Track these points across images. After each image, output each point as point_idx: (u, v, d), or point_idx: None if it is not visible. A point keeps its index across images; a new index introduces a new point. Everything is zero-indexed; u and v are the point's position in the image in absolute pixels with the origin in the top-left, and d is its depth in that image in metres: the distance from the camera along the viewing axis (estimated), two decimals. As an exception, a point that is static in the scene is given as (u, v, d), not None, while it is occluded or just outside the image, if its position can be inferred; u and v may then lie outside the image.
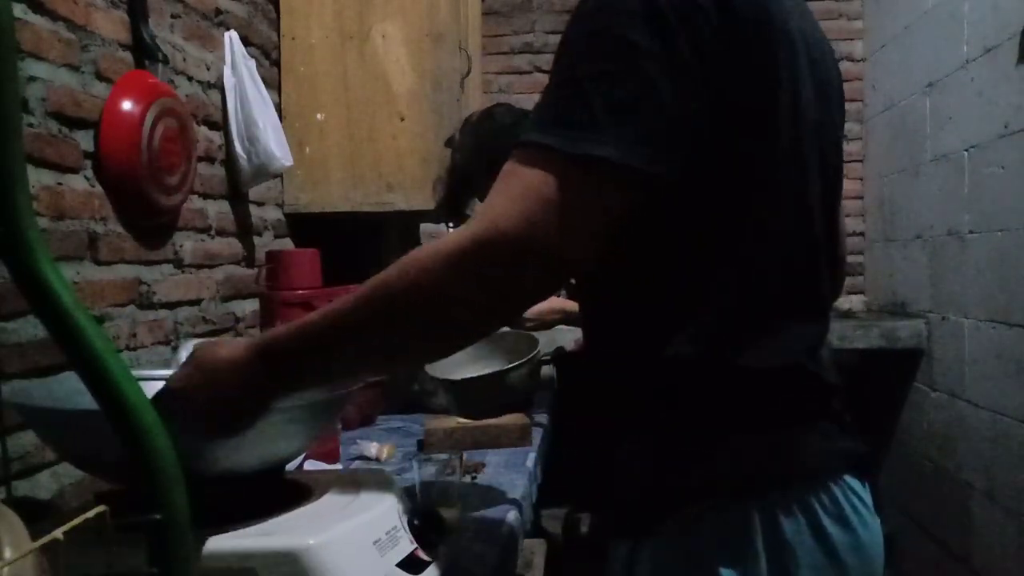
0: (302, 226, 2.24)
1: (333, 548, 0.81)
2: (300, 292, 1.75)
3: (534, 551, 1.91)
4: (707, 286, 0.76)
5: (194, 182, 1.63)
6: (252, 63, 1.86)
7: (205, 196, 1.75)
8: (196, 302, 1.69)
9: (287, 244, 2.20)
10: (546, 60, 3.37)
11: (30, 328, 1.16)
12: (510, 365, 1.27)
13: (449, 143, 2.06)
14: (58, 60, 1.26)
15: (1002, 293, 2.30)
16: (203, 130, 1.74)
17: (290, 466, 1.11)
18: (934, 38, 2.72)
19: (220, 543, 0.79)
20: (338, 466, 1.54)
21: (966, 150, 2.51)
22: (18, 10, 1.18)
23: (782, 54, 0.75)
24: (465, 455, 1.38)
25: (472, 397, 1.30)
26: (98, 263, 1.36)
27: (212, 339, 1.60)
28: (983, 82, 2.39)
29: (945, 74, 2.64)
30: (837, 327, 2.59)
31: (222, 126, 1.83)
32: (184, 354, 0.85)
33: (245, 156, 1.83)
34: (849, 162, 3.17)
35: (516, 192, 0.67)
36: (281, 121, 2.03)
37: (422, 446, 1.69)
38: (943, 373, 2.70)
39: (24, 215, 0.54)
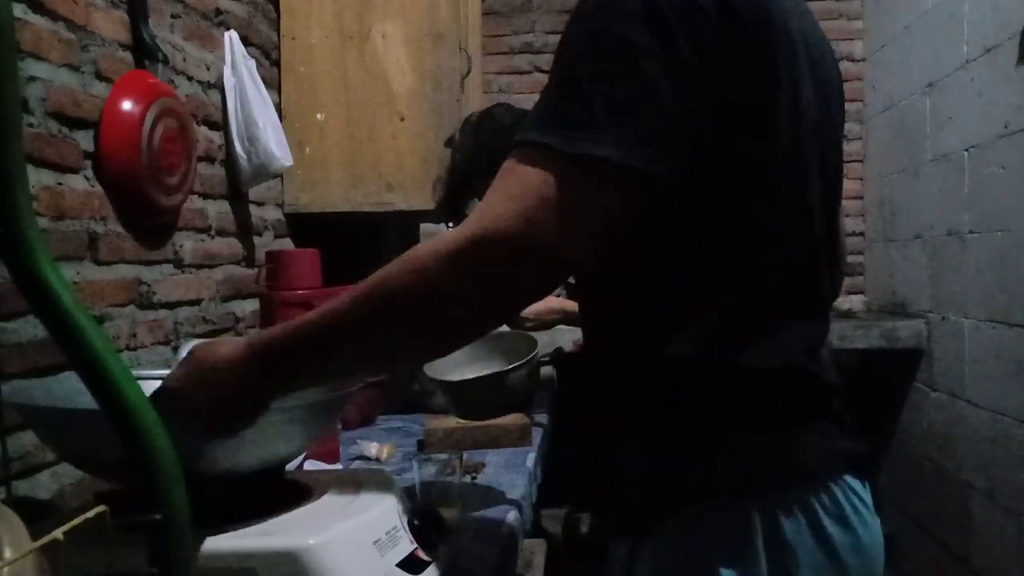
0: (302, 226, 2.24)
1: (333, 548, 0.81)
2: (300, 292, 1.75)
3: (534, 551, 1.91)
4: (707, 286, 0.76)
5: (194, 182, 1.63)
6: (252, 63, 1.85)
7: (205, 196, 1.75)
8: (196, 302, 1.69)
9: (287, 244, 2.20)
10: (546, 60, 3.36)
11: (30, 328, 1.16)
12: (509, 366, 1.27)
13: (449, 143, 2.06)
14: (58, 60, 1.26)
15: (1002, 293, 2.30)
16: (203, 130, 1.74)
17: (290, 466, 1.11)
18: (934, 38, 2.72)
19: (220, 543, 0.79)
20: (338, 466, 1.54)
21: (966, 150, 2.51)
22: (18, 10, 1.18)
23: (782, 54, 0.75)
24: (465, 455, 1.38)
25: (471, 398, 1.30)
26: (98, 263, 1.36)
27: (211, 339, 1.60)
28: (983, 82, 2.39)
29: (945, 74, 2.64)
30: (837, 327, 2.59)
31: (222, 126, 1.83)
32: (184, 354, 0.85)
33: (245, 156, 1.83)
34: (849, 162, 3.17)
35: (514, 191, 0.67)
36: (281, 121, 2.03)
37: (422, 446, 1.69)
38: (943, 373, 2.70)
39: (24, 215, 0.54)
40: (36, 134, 1.21)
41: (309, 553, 0.79)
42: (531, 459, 1.62)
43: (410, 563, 0.89)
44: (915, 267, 2.92)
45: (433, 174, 2.11)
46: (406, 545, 0.91)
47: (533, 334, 1.55)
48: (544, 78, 0.72)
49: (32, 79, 1.20)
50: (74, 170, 1.30)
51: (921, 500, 2.86)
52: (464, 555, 1.11)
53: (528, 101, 3.14)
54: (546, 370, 2.06)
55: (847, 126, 0.96)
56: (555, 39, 0.75)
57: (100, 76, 1.37)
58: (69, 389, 0.89)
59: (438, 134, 2.12)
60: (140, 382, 0.60)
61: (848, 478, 0.78)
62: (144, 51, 1.48)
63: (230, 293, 1.85)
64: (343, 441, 1.68)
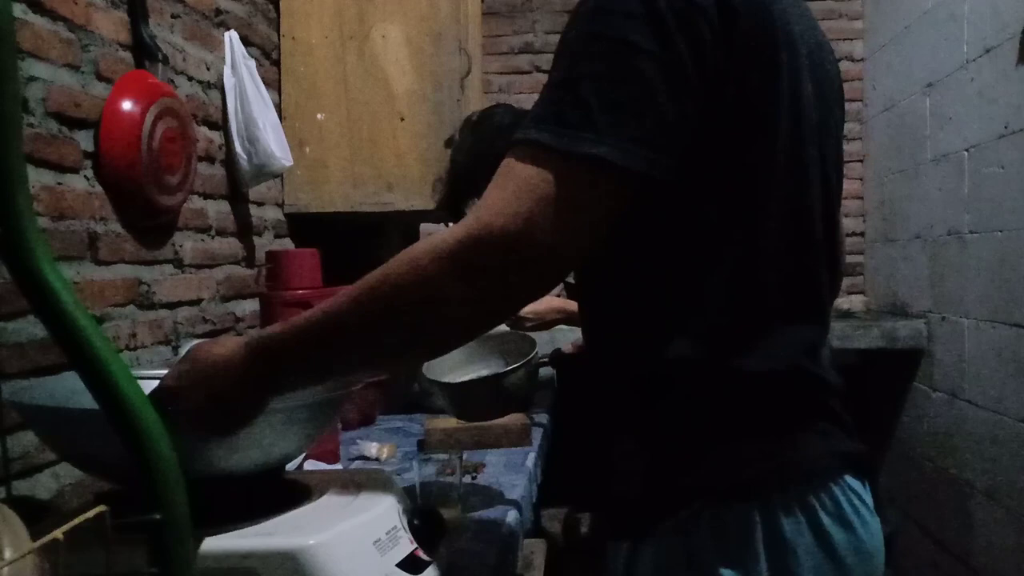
0: (302, 226, 2.24)
1: (333, 548, 0.81)
2: (300, 292, 1.75)
3: (534, 551, 1.91)
4: (706, 287, 0.76)
5: (194, 182, 1.63)
6: (252, 63, 1.86)
7: (205, 196, 1.75)
8: (196, 302, 1.70)
9: (287, 244, 2.20)
10: (546, 60, 3.36)
11: (30, 328, 1.16)
12: (507, 368, 1.27)
13: (449, 143, 2.06)
14: (58, 60, 1.26)
15: (1002, 293, 2.30)
16: (203, 130, 1.74)
17: (290, 466, 1.11)
18: (934, 38, 2.72)
19: (220, 543, 0.79)
20: (338, 466, 1.54)
21: (966, 150, 2.51)
22: (18, 10, 1.18)
23: (783, 55, 0.75)
24: (465, 455, 1.39)
25: (469, 400, 1.30)
26: (98, 263, 1.36)
27: (210, 339, 1.60)
28: (983, 82, 2.39)
29: (945, 74, 2.64)
30: (837, 327, 2.59)
31: (222, 126, 1.83)
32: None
33: (245, 156, 1.83)
34: (849, 162, 3.17)
35: (511, 189, 0.67)
36: (281, 121, 2.03)
37: (422, 446, 1.69)
38: (943, 373, 2.70)
39: (24, 215, 0.54)
40: (36, 134, 1.21)
41: (309, 553, 0.79)
42: (531, 459, 1.62)
43: (410, 563, 0.89)
44: (915, 267, 2.92)
45: (433, 174, 2.11)
46: (406, 545, 0.91)
47: (533, 334, 1.55)
48: (544, 78, 0.73)
49: (32, 79, 1.20)
50: (74, 170, 1.30)
51: (921, 500, 2.86)
52: (464, 555, 1.11)
53: (528, 101, 3.14)
54: (546, 370, 2.06)
55: (847, 126, 0.96)
56: (555, 39, 0.75)
57: (100, 76, 1.37)
58: (69, 389, 0.89)
59: (438, 134, 2.13)
60: (140, 382, 0.60)
61: (848, 478, 0.78)
62: (144, 51, 1.48)
63: (230, 293, 1.85)
64: (343, 441, 1.68)
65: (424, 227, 3.08)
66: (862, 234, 3.43)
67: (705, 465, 0.76)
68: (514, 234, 0.66)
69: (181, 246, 1.64)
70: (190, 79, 1.70)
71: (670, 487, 0.77)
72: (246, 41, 1.90)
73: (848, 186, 0.90)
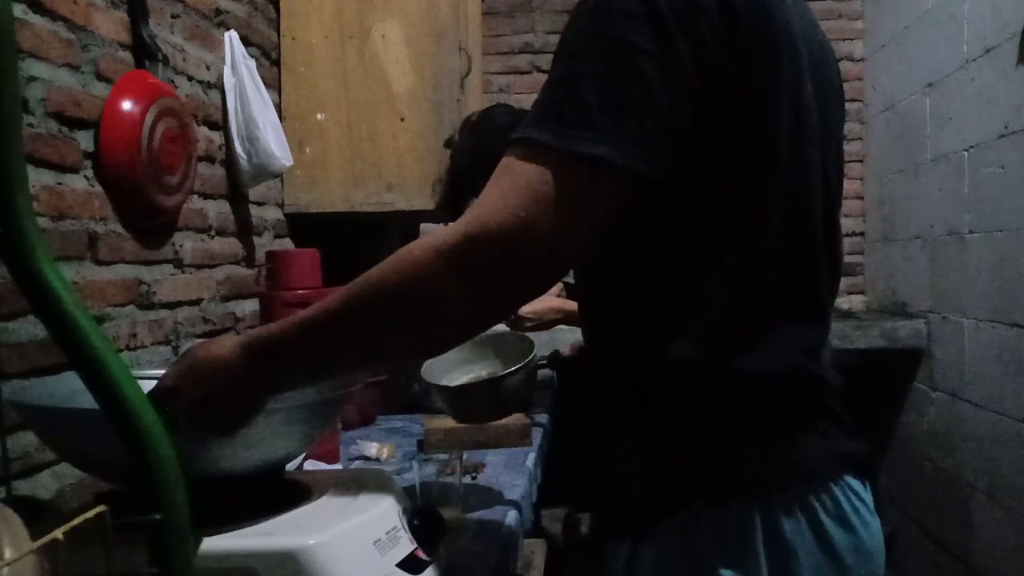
0: (302, 226, 2.24)
1: (333, 548, 0.81)
2: (300, 292, 1.75)
3: (534, 551, 1.91)
4: (707, 288, 0.76)
5: (194, 182, 1.63)
6: (252, 63, 1.86)
7: (205, 196, 1.75)
8: (196, 302, 1.70)
9: (287, 244, 2.20)
10: (546, 60, 3.36)
11: (30, 328, 1.16)
12: (506, 369, 1.27)
13: (448, 144, 2.06)
14: (58, 60, 1.26)
15: (1002, 293, 2.30)
16: (203, 130, 1.75)
17: (290, 466, 1.11)
18: (934, 38, 2.72)
19: (220, 543, 0.79)
20: (338, 466, 1.54)
21: (966, 150, 2.51)
22: (18, 10, 1.18)
23: (784, 55, 0.75)
24: (465, 455, 1.38)
25: (468, 403, 1.30)
26: (98, 263, 1.36)
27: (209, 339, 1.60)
28: (983, 82, 2.39)
29: (945, 74, 2.64)
30: (837, 327, 2.59)
31: (222, 126, 1.83)
32: (185, 355, 0.85)
33: (245, 156, 1.83)
34: (849, 162, 3.17)
35: (510, 188, 0.67)
36: (281, 121, 2.03)
37: (422, 446, 1.69)
38: (943, 373, 2.70)
39: (24, 215, 0.54)
40: (36, 134, 1.21)
41: (309, 553, 0.79)
42: (531, 459, 1.62)
43: (410, 563, 0.89)
44: (915, 267, 2.92)
45: (433, 174, 2.11)
46: (406, 545, 0.91)
47: (532, 334, 1.55)
48: (544, 78, 0.73)
49: (32, 79, 1.20)
50: (74, 170, 1.30)
51: (921, 500, 2.86)
52: (464, 555, 1.11)
53: (528, 101, 3.13)
54: (545, 371, 2.06)
55: (847, 126, 0.96)
56: (555, 39, 0.75)
57: (100, 76, 1.37)
58: (69, 389, 0.89)
59: (438, 134, 2.13)
60: (140, 382, 0.60)
61: (848, 478, 0.78)
62: (144, 51, 1.48)
63: (230, 293, 1.85)
64: (343, 441, 1.68)
65: (424, 227, 3.08)
66: (862, 234, 3.43)
67: (705, 465, 0.76)
68: (512, 233, 0.66)
69: (181, 246, 1.64)
70: (190, 79, 1.70)
71: (670, 487, 0.77)
72: (246, 41, 1.90)
73: (848, 186, 0.90)
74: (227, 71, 1.81)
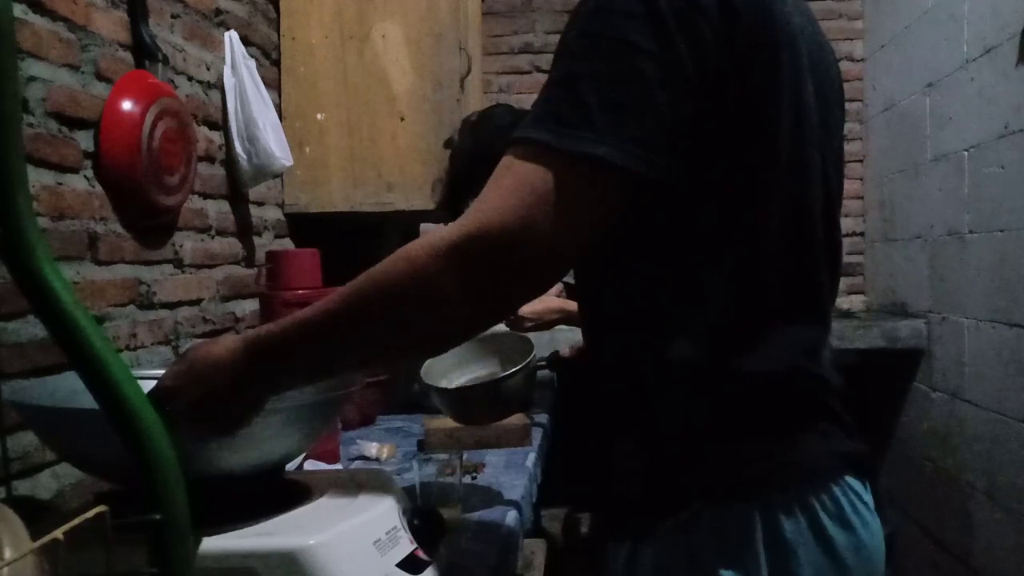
0: (302, 226, 2.24)
1: (333, 548, 0.81)
2: (300, 292, 1.75)
3: (534, 551, 1.91)
4: (706, 288, 0.76)
5: (194, 182, 1.63)
6: (252, 63, 1.86)
7: (205, 196, 1.75)
8: (196, 302, 1.70)
9: (287, 244, 2.20)
10: (546, 60, 3.36)
11: (30, 328, 1.16)
12: (505, 372, 1.27)
13: (448, 144, 2.06)
14: (58, 60, 1.26)
15: (1002, 293, 2.30)
16: (203, 130, 1.75)
17: (290, 466, 1.11)
18: (934, 38, 2.72)
19: (220, 543, 0.79)
20: (338, 466, 1.54)
21: (966, 150, 2.51)
22: (18, 10, 1.18)
23: (784, 55, 0.75)
24: (465, 455, 1.39)
25: (467, 405, 1.30)
26: (98, 263, 1.36)
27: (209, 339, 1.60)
28: (983, 82, 2.39)
29: (945, 74, 2.64)
30: (837, 327, 2.59)
31: (222, 126, 1.83)
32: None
33: (245, 156, 1.83)
34: (849, 162, 3.17)
35: (510, 187, 0.67)
36: (281, 121, 2.03)
37: (422, 446, 1.69)
38: (943, 373, 2.70)
39: (24, 215, 0.54)
40: (36, 134, 1.21)
41: (309, 553, 0.79)
42: (531, 459, 1.62)
43: (410, 563, 0.89)
44: (915, 267, 2.92)
45: (433, 174, 2.11)
46: (406, 545, 0.91)
47: (532, 335, 1.55)
48: (544, 78, 0.73)
49: (32, 79, 1.20)
50: (74, 170, 1.30)
51: (921, 500, 2.86)
52: (464, 555, 1.11)
53: (528, 101, 3.13)
54: (544, 372, 2.05)
55: (847, 126, 0.96)
56: (555, 39, 0.75)
57: (100, 76, 1.37)
58: (69, 389, 0.89)
59: (438, 134, 2.13)
60: (140, 382, 0.60)
61: (848, 478, 0.78)
62: (144, 51, 1.48)
63: (230, 293, 1.85)
64: (343, 441, 1.68)
65: (424, 227, 3.08)
66: (862, 234, 3.43)
67: (705, 465, 0.76)
68: (512, 232, 0.66)
69: (181, 246, 1.64)
70: (190, 79, 1.70)
71: (670, 487, 0.77)
72: (246, 41, 1.90)
73: (848, 186, 0.90)
74: (227, 71, 1.81)
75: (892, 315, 3.05)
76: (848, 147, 2.09)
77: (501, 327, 1.64)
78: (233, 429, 0.79)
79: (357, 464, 1.60)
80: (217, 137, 1.81)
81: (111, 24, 1.41)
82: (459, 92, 2.18)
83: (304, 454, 1.33)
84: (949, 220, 2.63)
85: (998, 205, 2.31)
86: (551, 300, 2.01)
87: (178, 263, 1.63)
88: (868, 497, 0.80)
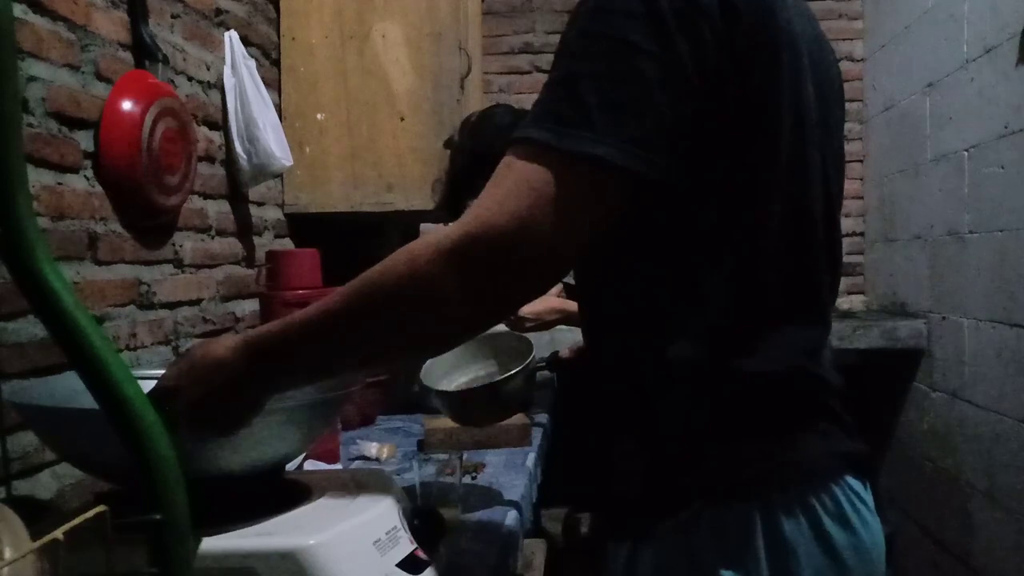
0: (302, 226, 2.24)
1: (333, 548, 0.81)
2: (300, 292, 1.75)
3: (534, 551, 1.91)
4: (707, 288, 0.76)
5: (194, 182, 1.63)
6: (252, 63, 1.86)
7: (205, 196, 1.75)
8: (196, 302, 1.70)
9: (287, 244, 2.20)
10: (546, 60, 3.36)
11: (30, 328, 1.16)
12: (504, 375, 1.27)
13: (448, 144, 2.06)
14: (58, 60, 1.26)
15: (1002, 293, 2.30)
16: (203, 130, 1.75)
17: (290, 466, 1.11)
18: (934, 38, 2.72)
19: (220, 543, 0.79)
20: (338, 466, 1.54)
21: (966, 150, 2.51)
22: (18, 10, 1.18)
23: (785, 55, 0.75)
24: (465, 455, 1.39)
25: (467, 408, 1.30)
26: (98, 263, 1.36)
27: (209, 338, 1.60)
28: (983, 82, 2.39)
29: (945, 74, 2.64)
30: (837, 327, 2.59)
31: (222, 126, 1.83)
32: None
33: (245, 156, 1.83)
34: (849, 162, 3.16)
35: (510, 187, 0.67)
36: (281, 121, 2.03)
37: (422, 446, 1.69)
38: (943, 373, 2.70)
39: (24, 215, 0.54)
40: (36, 134, 1.21)
41: (309, 553, 0.79)
42: (531, 459, 1.62)
43: (410, 563, 0.89)
44: (915, 267, 2.92)
45: (433, 174, 2.11)
46: (406, 545, 0.91)
47: (532, 335, 1.55)
48: (544, 78, 0.73)
49: (32, 79, 1.20)
50: (74, 170, 1.30)
51: (921, 500, 2.86)
52: (464, 555, 1.11)
53: (528, 101, 3.13)
54: (544, 373, 2.05)
55: (847, 126, 0.96)
56: (555, 39, 0.75)
57: (100, 76, 1.37)
58: (69, 389, 0.89)
59: (438, 134, 2.13)
60: (140, 382, 0.60)
61: (849, 478, 0.78)
62: (144, 51, 1.48)
63: (230, 293, 1.85)
64: (343, 441, 1.68)
65: (424, 227, 3.09)
66: (862, 234, 3.43)
67: (705, 465, 0.76)
68: (512, 233, 0.66)
69: (181, 246, 1.64)
70: (190, 79, 1.70)
71: (670, 487, 0.77)
72: (246, 41, 1.90)
73: (848, 186, 0.90)
74: (227, 71, 1.81)
75: (892, 315, 3.05)
76: (848, 147, 2.09)
77: (501, 327, 1.64)
78: (233, 429, 0.79)
79: (357, 464, 1.60)
80: (217, 137, 1.81)
81: (111, 24, 1.41)
82: (459, 92, 2.18)
83: (304, 454, 1.33)
84: (949, 220, 2.63)
85: (998, 205, 2.31)
86: (551, 300, 2.01)
87: (178, 263, 1.63)
88: (868, 497, 0.80)
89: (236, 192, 1.89)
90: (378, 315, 0.70)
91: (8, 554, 0.52)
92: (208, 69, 1.77)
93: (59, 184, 1.26)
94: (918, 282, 2.90)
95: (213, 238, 1.78)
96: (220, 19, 1.83)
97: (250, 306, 1.93)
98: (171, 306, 1.59)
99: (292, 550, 0.79)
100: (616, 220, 0.70)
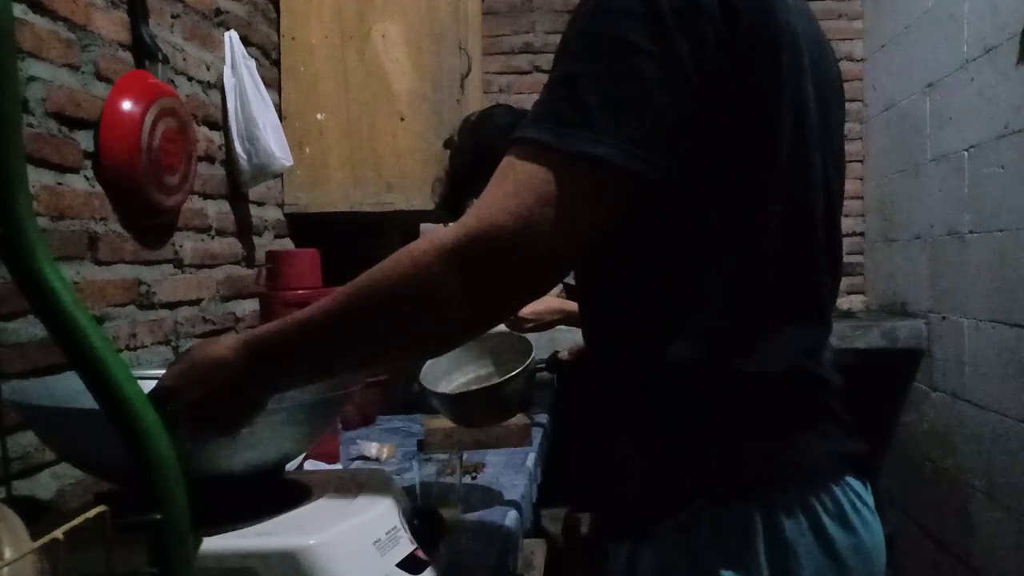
0: (302, 226, 2.24)
1: (333, 548, 0.81)
2: (300, 292, 1.75)
3: (534, 551, 1.91)
4: (707, 288, 0.76)
5: (194, 182, 1.63)
6: (252, 63, 1.86)
7: (205, 196, 1.75)
8: (196, 302, 1.70)
9: (287, 244, 2.20)
10: (546, 60, 3.36)
11: (30, 328, 1.16)
12: (502, 378, 1.27)
13: (448, 144, 2.06)
14: (58, 60, 1.26)
15: (1002, 293, 2.30)
16: (203, 130, 1.74)
17: (290, 466, 1.11)
18: (934, 38, 2.72)
19: (220, 543, 0.79)
20: (338, 466, 1.54)
21: (966, 150, 2.51)
22: (18, 10, 1.18)
23: (785, 55, 0.75)
24: (465, 455, 1.39)
25: (467, 410, 1.30)
26: (98, 263, 1.36)
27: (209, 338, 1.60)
28: (983, 82, 2.39)
29: (945, 74, 2.64)
30: (837, 327, 2.57)
31: (222, 126, 1.83)
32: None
33: (245, 156, 1.83)
34: (849, 162, 3.16)
35: (511, 188, 0.67)
36: (281, 121, 2.03)
37: (422, 446, 1.69)
38: (943, 373, 2.70)
39: (24, 215, 0.54)
40: (36, 134, 1.21)
41: (309, 553, 0.79)
42: (531, 459, 1.62)
43: (410, 563, 0.89)
44: (915, 267, 2.92)
45: (433, 174, 2.11)
46: (406, 545, 0.91)
47: (532, 335, 1.55)
48: (544, 78, 0.73)
49: (32, 79, 1.20)
50: (74, 170, 1.30)
51: (921, 500, 2.86)
52: (464, 555, 1.11)
53: (528, 101, 3.14)
54: (544, 374, 2.05)
55: (847, 126, 0.96)
56: (555, 39, 0.75)
57: (100, 76, 1.37)
58: (69, 389, 0.89)
59: (438, 134, 2.13)
60: (140, 382, 0.60)
61: (849, 479, 0.78)
62: (144, 51, 1.48)
63: (230, 293, 1.85)
64: (343, 441, 1.68)
65: (424, 227, 3.09)
66: (862, 234, 3.43)
67: (705, 465, 0.76)
68: (513, 233, 0.66)
69: (181, 246, 1.64)
70: (190, 79, 1.70)
71: (670, 487, 0.77)
72: (246, 41, 1.90)
73: (848, 186, 0.90)
74: (227, 71, 1.81)
75: (892, 315, 3.05)
76: (848, 147, 2.09)
77: (501, 327, 1.64)
78: (233, 429, 0.79)
79: (357, 464, 1.60)
80: (217, 137, 1.81)
81: (111, 24, 1.41)
82: (459, 92, 2.18)
83: (304, 454, 1.33)
84: (949, 220, 2.63)
85: (998, 205, 2.31)
86: (551, 301, 2.01)
87: (178, 263, 1.63)
88: (869, 497, 0.80)
89: (236, 192, 1.89)
90: (378, 315, 0.70)
91: (8, 554, 0.52)
92: (208, 69, 1.77)
93: (59, 184, 1.26)
94: (918, 282, 2.90)
95: (213, 238, 1.78)
96: (220, 19, 1.83)
97: (250, 306, 1.93)
98: (171, 306, 1.59)
99: (292, 550, 0.79)
100: (616, 220, 0.70)
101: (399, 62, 2.14)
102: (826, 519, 0.75)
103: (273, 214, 2.13)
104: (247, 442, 0.83)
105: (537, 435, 1.79)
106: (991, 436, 2.36)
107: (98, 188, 1.36)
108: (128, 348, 1.44)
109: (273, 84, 2.14)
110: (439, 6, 2.15)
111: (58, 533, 0.47)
